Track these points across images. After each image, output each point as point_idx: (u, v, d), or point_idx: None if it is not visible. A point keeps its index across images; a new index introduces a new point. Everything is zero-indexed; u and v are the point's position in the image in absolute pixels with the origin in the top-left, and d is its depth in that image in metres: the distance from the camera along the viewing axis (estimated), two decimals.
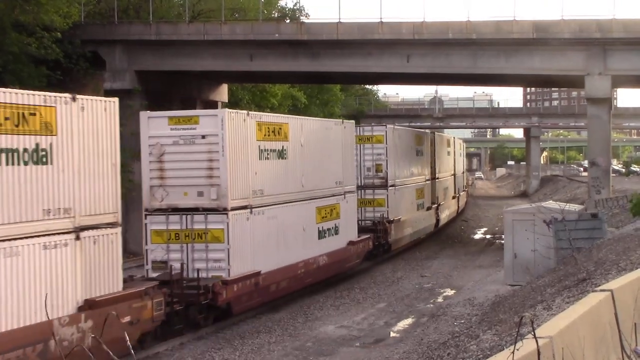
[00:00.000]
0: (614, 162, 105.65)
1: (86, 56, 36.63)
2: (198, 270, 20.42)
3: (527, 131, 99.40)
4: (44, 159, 15.27)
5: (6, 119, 14.45)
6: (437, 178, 46.48)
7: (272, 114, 27.49)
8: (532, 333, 7.23)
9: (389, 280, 29.99)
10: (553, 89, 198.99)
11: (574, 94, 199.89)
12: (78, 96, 16.34)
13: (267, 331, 21.15)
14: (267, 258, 22.71)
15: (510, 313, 17.10)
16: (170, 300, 19.00)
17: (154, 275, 20.37)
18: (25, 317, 14.60)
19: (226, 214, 20.91)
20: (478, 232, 50.68)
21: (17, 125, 14.66)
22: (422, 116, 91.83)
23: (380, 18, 38.34)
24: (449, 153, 53.63)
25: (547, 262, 23.20)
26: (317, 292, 26.80)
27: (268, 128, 23.31)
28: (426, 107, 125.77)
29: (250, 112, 22.88)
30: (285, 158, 24.22)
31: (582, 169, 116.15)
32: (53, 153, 15.45)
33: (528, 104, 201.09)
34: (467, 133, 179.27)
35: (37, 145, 15.10)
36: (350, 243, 29.41)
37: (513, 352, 6.97)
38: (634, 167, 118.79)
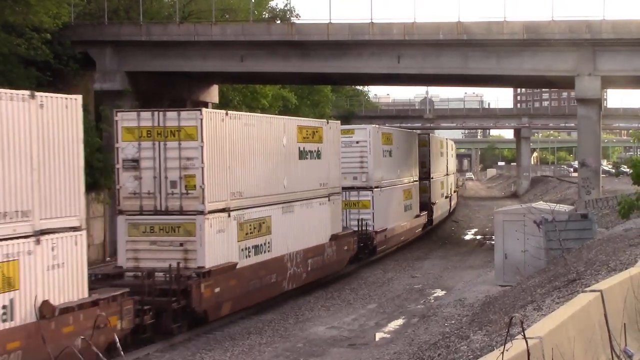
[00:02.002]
0: (604, 162, 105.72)
1: (76, 57, 36.43)
2: (366, 224, 32.51)
3: (517, 132, 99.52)
4: (319, 156, 27.51)
5: (309, 134, 26.75)
6: (448, 174, 57.42)
7: (386, 127, 39.15)
8: (522, 333, 7.25)
9: (379, 281, 30.01)
10: (543, 89, 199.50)
11: (564, 94, 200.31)
12: (329, 121, 29.90)
13: (257, 332, 21.14)
14: (387, 220, 35.36)
15: (501, 314, 17.12)
16: (358, 240, 31.29)
17: None
18: (316, 240, 27.03)
19: (371, 190, 33.37)
20: (469, 232, 50.76)
21: (312, 138, 27.05)
22: (413, 117, 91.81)
23: (371, 19, 38.30)
24: (452, 155, 64.79)
25: (538, 263, 23.22)
26: (307, 293, 26.81)
27: (385, 136, 35.80)
28: (417, 107, 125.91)
29: (380, 126, 36.46)
30: (391, 156, 36.52)
31: (572, 169, 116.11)
32: (322, 153, 27.73)
33: (518, 104, 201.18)
34: (458, 134, 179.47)
35: (317, 148, 27.41)
36: (417, 216, 42.32)
37: (503, 353, 6.99)
38: (624, 168, 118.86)
